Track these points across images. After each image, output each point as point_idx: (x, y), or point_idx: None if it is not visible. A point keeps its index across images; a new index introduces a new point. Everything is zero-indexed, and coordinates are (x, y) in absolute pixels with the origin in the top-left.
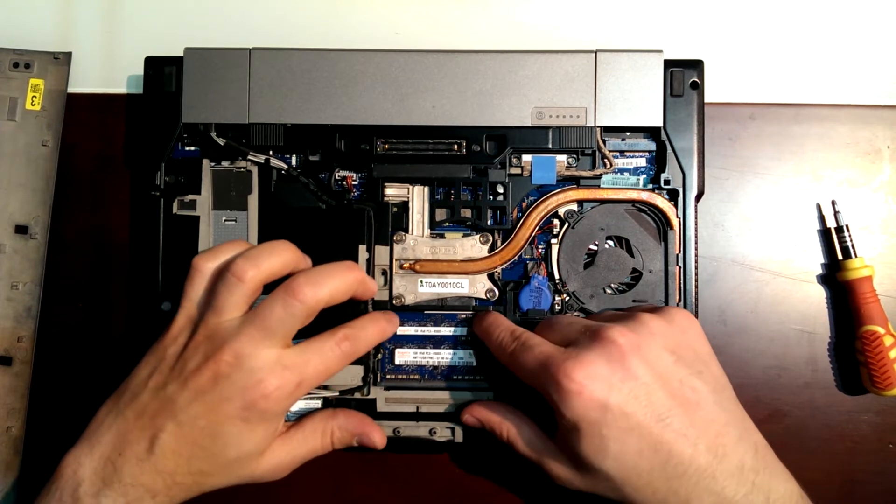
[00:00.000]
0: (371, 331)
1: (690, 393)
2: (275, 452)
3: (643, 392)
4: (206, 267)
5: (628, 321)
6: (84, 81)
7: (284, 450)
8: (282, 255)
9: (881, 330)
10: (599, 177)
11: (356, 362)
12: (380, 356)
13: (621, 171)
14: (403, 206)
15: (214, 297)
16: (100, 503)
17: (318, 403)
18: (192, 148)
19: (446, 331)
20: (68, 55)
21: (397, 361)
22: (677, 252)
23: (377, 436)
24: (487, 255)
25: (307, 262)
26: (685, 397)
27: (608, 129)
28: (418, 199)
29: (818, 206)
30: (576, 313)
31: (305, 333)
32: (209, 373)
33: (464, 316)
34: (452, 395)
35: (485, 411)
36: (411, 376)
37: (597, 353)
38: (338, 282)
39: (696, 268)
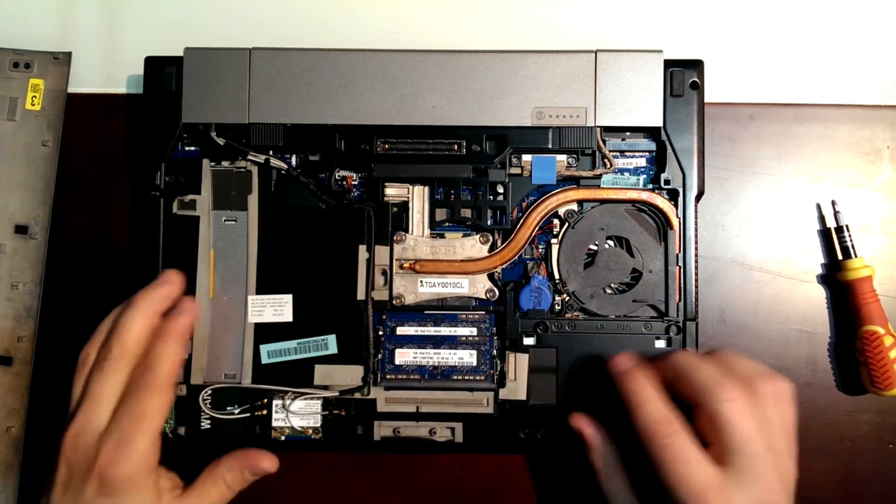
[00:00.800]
0: (162, 348)
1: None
2: None
3: None
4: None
5: (786, 451)
6: (84, 81)
7: None
8: (141, 317)
9: (881, 330)
10: (599, 177)
11: (355, 362)
12: (380, 356)
13: (621, 171)
14: (403, 206)
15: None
16: None
17: (318, 404)
18: (192, 148)
19: (446, 331)
20: (68, 55)
21: (397, 361)
22: (677, 252)
23: (266, 462)
24: (487, 255)
25: (167, 289)
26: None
27: (608, 129)
28: (418, 198)
29: (818, 206)
30: (576, 313)
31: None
32: (63, 466)
33: (464, 316)
34: (452, 395)
35: (592, 432)
36: (411, 376)
37: (749, 499)
38: (131, 320)
39: (696, 268)
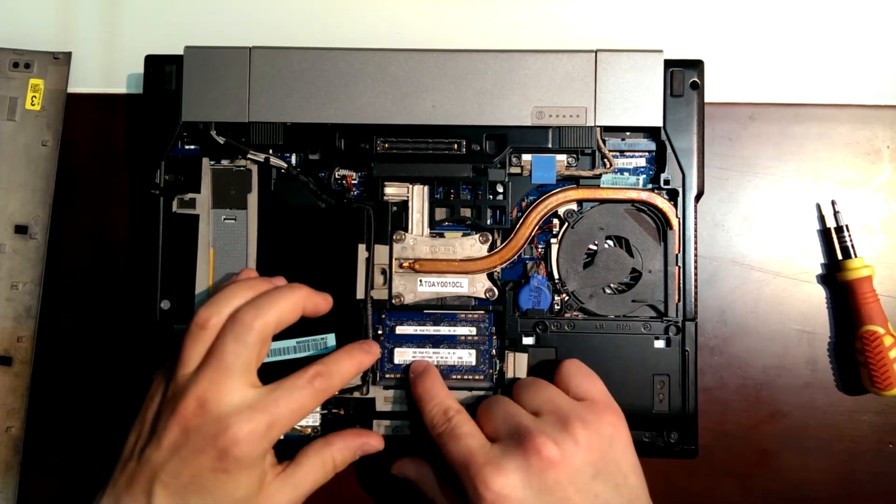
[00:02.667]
0: (346, 365)
1: None
2: (274, 495)
3: None
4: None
5: (558, 428)
6: (84, 81)
7: (285, 490)
8: (242, 295)
9: (881, 330)
10: (599, 176)
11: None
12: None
13: (621, 170)
14: (403, 206)
15: (181, 351)
16: None
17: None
18: (192, 146)
19: (445, 330)
20: (68, 55)
21: (396, 360)
22: (677, 252)
23: (375, 441)
24: (487, 254)
25: (275, 287)
26: None
27: (608, 129)
28: (418, 198)
29: (818, 206)
30: (575, 313)
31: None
32: (177, 427)
33: (464, 315)
34: (451, 394)
35: (413, 468)
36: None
37: (518, 463)
38: (282, 304)
39: (696, 268)
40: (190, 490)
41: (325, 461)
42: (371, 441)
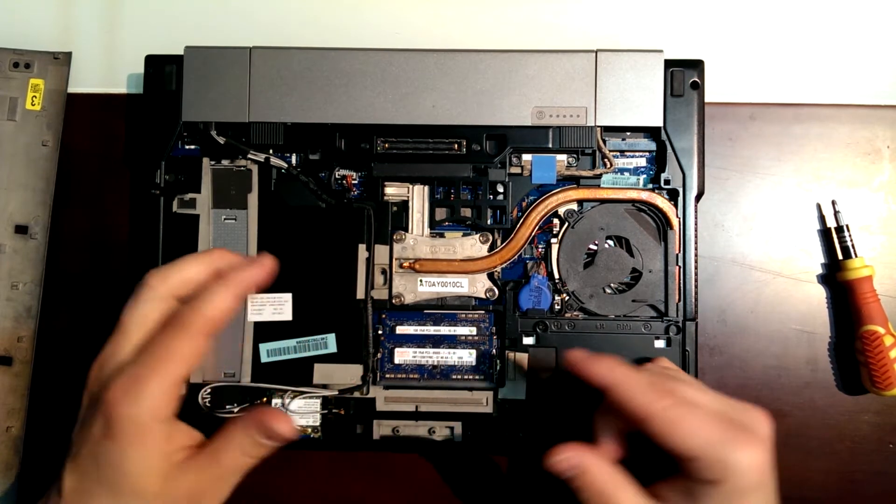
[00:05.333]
0: (220, 297)
1: None
2: (181, 475)
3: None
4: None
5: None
6: (84, 81)
7: (191, 472)
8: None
9: (881, 330)
10: (599, 176)
11: (355, 361)
12: (379, 355)
13: (621, 170)
14: (403, 206)
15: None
16: None
17: (317, 403)
18: (193, 146)
19: (446, 330)
20: (68, 55)
21: (396, 361)
22: (677, 252)
23: (279, 424)
24: (487, 254)
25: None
26: None
27: (608, 129)
28: (418, 198)
29: (818, 206)
30: (575, 313)
31: None
32: (85, 398)
33: (464, 315)
34: (451, 394)
35: (578, 458)
36: (410, 375)
37: (757, 440)
38: (188, 261)
39: (696, 268)
40: (88, 463)
41: (230, 447)
42: (272, 424)
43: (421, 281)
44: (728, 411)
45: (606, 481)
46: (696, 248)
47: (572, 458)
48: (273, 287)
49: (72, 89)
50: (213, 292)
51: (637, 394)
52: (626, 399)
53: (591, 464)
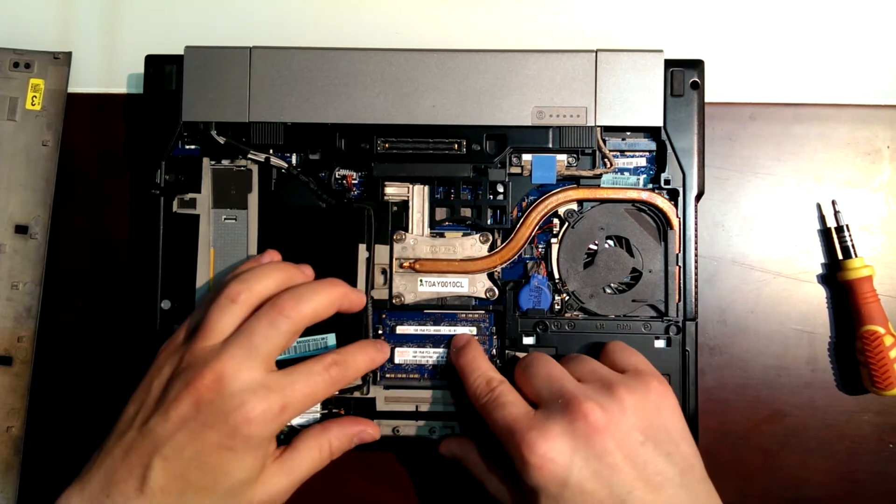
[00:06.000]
0: (360, 358)
1: (655, 475)
2: (271, 479)
3: (606, 472)
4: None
5: (603, 393)
6: (84, 81)
7: (281, 475)
8: (272, 277)
9: (881, 330)
10: (599, 176)
11: None
12: None
13: (621, 170)
14: (403, 205)
15: (204, 321)
16: None
17: (316, 413)
18: (193, 146)
19: (446, 330)
20: (68, 55)
21: (397, 360)
22: (677, 252)
23: (372, 430)
24: (487, 254)
25: (304, 275)
26: (648, 479)
27: (608, 129)
28: (418, 198)
29: (818, 206)
30: (575, 313)
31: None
32: (190, 399)
33: (464, 315)
34: (452, 394)
35: (458, 447)
36: (411, 375)
37: (564, 427)
38: (322, 298)
39: (696, 268)
40: (192, 466)
41: (321, 447)
42: (368, 430)
43: (421, 281)
44: (553, 410)
45: (476, 465)
46: (696, 248)
47: (451, 446)
48: None
49: (72, 89)
50: (356, 355)
51: (469, 384)
52: (465, 387)
53: (468, 451)
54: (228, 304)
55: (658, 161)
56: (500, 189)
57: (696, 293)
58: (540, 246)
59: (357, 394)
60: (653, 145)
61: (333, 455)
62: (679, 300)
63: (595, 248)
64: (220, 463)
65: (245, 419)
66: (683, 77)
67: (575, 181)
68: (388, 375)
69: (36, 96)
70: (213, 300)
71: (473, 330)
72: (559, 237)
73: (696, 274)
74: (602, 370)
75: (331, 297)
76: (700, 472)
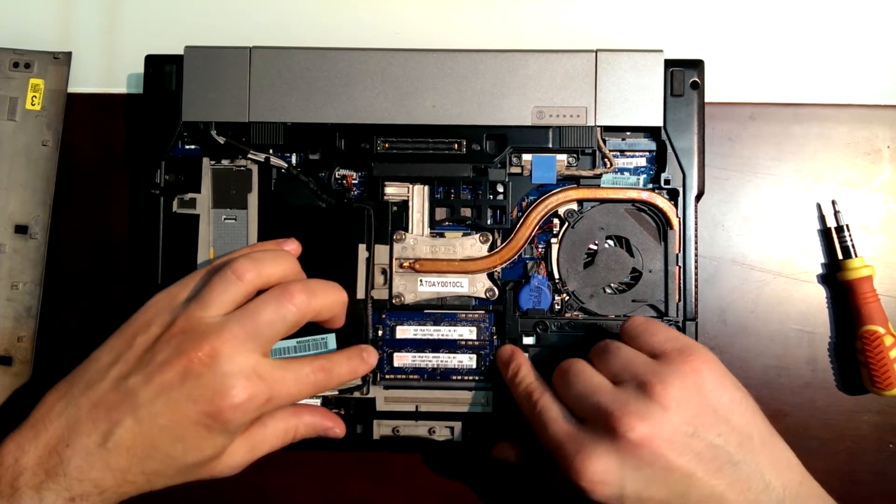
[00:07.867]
0: (345, 368)
1: (711, 461)
2: (234, 453)
3: (660, 475)
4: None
5: (641, 398)
6: (84, 81)
7: (244, 449)
8: (283, 265)
9: (881, 330)
10: (599, 176)
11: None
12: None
13: (621, 170)
14: (403, 205)
15: (206, 290)
16: (41, 496)
17: (317, 402)
18: (193, 146)
19: (446, 330)
20: (68, 55)
21: (397, 360)
22: (677, 252)
23: (339, 431)
24: (487, 254)
25: (303, 276)
26: (706, 467)
27: (608, 129)
28: (418, 198)
29: (818, 206)
30: (575, 313)
31: None
32: (178, 368)
33: (464, 315)
34: (452, 394)
35: (510, 451)
36: (410, 375)
37: (608, 446)
38: (331, 298)
39: (696, 268)
40: (163, 434)
41: (288, 431)
42: (336, 429)
43: (421, 281)
44: (595, 428)
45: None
46: (696, 248)
47: (504, 451)
48: None
49: (72, 89)
50: (341, 364)
51: (516, 398)
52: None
53: (521, 454)
54: (234, 280)
55: (658, 161)
56: (500, 189)
57: (696, 293)
58: (540, 246)
59: (357, 394)
60: (653, 145)
61: (295, 440)
62: (679, 300)
63: (595, 248)
64: (193, 438)
65: (230, 404)
66: (683, 77)
67: (575, 181)
68: (388, 375)
69: (36, 96)
70: (218, 270)
71: (474, 330)
72: (559, 237)
73: (696, 274)
74: (635, 362)
75: (338, 300)
76: (759, 437)
